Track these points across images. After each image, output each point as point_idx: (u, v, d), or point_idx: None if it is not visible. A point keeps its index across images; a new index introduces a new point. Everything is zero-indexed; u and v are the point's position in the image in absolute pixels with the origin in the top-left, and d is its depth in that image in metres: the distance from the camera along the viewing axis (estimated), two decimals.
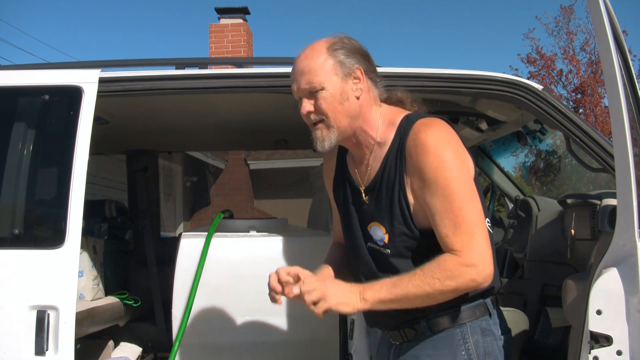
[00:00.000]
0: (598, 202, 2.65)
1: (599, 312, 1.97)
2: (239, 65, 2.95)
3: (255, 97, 2.77)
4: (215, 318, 2.71)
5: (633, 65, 5.14)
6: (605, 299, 1.97)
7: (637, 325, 1.93)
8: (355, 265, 1.88)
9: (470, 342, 1.74)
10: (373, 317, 1.90)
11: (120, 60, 2.76)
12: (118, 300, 3.28)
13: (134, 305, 3.34)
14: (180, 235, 2.93)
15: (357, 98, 1.74)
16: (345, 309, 1.65)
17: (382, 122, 1.79)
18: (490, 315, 1.78)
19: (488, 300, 1.78)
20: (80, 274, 2.97)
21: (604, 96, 18.11)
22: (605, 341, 1.95)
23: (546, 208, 3.39)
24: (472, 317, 1.75)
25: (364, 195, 1.82)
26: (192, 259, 2.72)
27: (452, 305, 1.72)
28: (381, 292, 1.64)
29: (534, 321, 3.16)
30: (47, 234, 2.43)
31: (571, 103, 19.25)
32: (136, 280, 3.74)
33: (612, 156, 2.13)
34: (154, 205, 4.05)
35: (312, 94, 1.73)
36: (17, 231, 2.31)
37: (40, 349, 2.16)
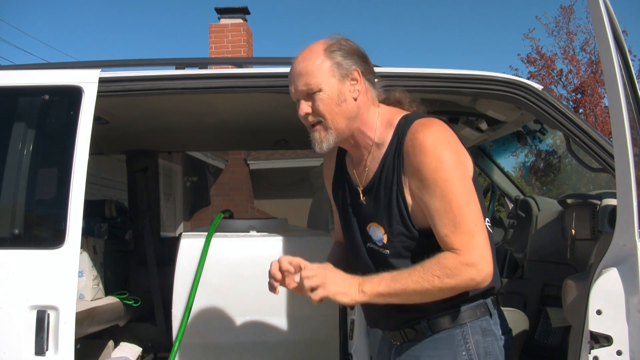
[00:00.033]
0: (598, 202, 2.65)
1: (599, 312, 1.97)
2: (239, 65, 2.95)
3: (255, 97, 2.78)
4: (215, 318, 2.71)
5: (633, 65, 5.13)
6: (605, 299, 1.97)
7: (637, 325, 1.93)
8: (355, 265, 1.87)
9: (471, 342, 1.74)
10: (373, 317, 1.90)
11: (120, 60, 2.76)
12: (118, 300, 3.28)
13: (134, 305, 3.34)
14: (180, 235, 2.93)
15: (355, 99, 1.74)
16: (343, 299, 1.65)
17: (380, 123, 1.78)
18: (490, 315, 1.78)
19: (489, 300, 1.78)
20: (80, 274, 2.97)
21: (604, 96, 18.11)
22: (605, 341, 1.95)
23: (546, 208, 3.39)
24: (473, 317, 1.75)
25: (362, 195, 1.82)
26: (192, 259, 2.72)
27: (453, 305, 1.72)
28: (380, 285, 1.64)
29: (534, 321, 3.16)
30: (47, 234, 2.43)
31: (571, 103, 19.25)
32: (136, 280, 3.74)
33: (612, 156, 2.13)
34: (154, 205, 4.05)
35: (310, 95, 1.73)
36: (17, 231, 2.31)
37: (40, 349, 2.16)
